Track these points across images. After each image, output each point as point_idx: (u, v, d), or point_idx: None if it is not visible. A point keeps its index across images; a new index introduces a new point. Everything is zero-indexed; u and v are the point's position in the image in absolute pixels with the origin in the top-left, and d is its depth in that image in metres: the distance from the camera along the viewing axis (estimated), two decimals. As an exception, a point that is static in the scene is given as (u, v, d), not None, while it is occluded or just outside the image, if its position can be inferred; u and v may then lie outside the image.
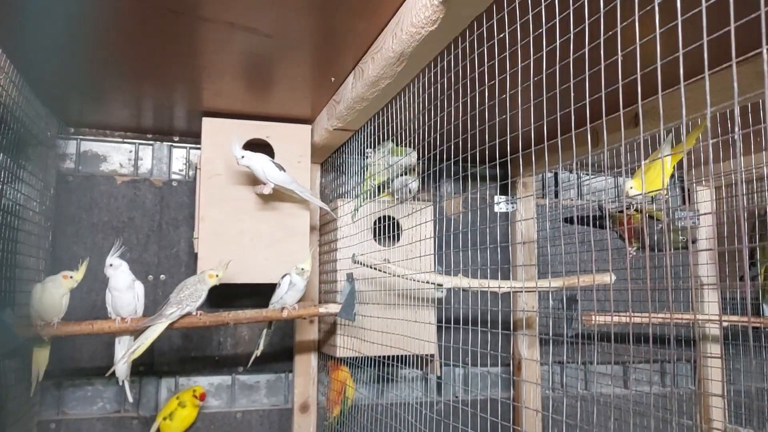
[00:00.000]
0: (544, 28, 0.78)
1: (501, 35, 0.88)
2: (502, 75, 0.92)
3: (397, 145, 1.56)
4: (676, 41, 0.60)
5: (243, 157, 1.54)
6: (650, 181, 1.40)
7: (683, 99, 0.59)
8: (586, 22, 0.70)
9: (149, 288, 1.83)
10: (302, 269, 1.51)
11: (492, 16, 0.88)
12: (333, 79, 1.43)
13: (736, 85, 0.53)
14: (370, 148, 1.60)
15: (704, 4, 0.56)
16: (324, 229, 1.94)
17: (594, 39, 0.70)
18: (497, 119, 0.95)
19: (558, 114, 0.81)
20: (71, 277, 1.40)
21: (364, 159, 1.69)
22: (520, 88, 0.90)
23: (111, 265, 1.43)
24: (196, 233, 1.67)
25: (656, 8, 0.60)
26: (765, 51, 0.51)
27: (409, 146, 1.55)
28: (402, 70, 1.14)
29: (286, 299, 1.53)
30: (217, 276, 1.46)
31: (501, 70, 0.92)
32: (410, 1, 0.98)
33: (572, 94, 0.76)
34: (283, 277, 1.55)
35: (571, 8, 0.73)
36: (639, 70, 0.64)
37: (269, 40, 1.20)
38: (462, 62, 1.02)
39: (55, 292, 1.37)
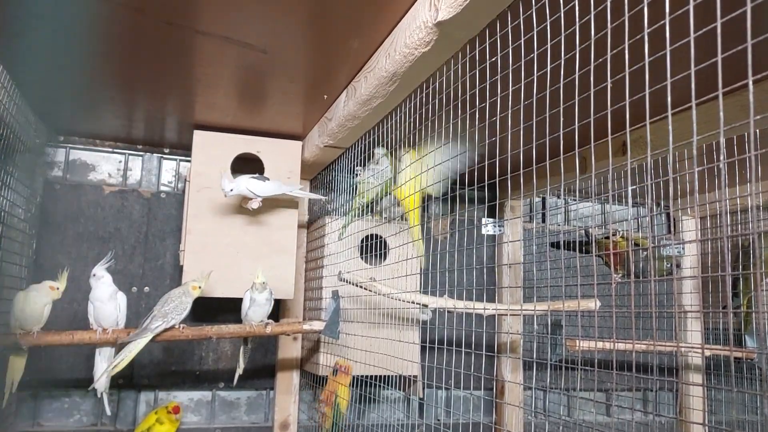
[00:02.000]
0: (535, 53, 0.79)
1: (493, 59, 0.89)
2: (493, 98, 0.94)
3: (391, 155, 1.56)
4: (664, 70, 0.61)
5: (231, 190, 1.53)
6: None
7: (670, 128, 0.60)
8: (577, 48, 0.71)
9: (132, 299, 1.81)
10: (255, 283, 1.49)
11: (485, 39, 0.89)
12: (326, 96, 1.44)
13: (722, 114, 0.54)
14: (360, 166, 1.60)
15: (692, 36, 0.57)
16: (311, 245, 1.94)
17: (585, 65, 0.71)
18: (487, 141, 0.96)
19: (547, 138, 0.82)
20: (57, 288, 1.38)
21: (353, 177, 1.69)
22: (510, 111, 0.91)
23: (94, 275, 1.41)
24: (182, 246, 1.66)
25: (645, 37, 0.61)
26: (751, 83, 0.53)
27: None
28: (394, 90, 1.15)
29: (250, 315, 1.51)
30: (200, 287, 1.45)
31: (492, 93, 0.94)
32: (404, 22, 1.00)
33: (561, 119, 0.77)
34: (245, 292, 1.53)
35: (563, 35, 0.74)
36: (628, 97, 0.65)
37: (263, 55, 1.20)
38: (453, 84, 1.04)
39: (38, 301, 1.36)
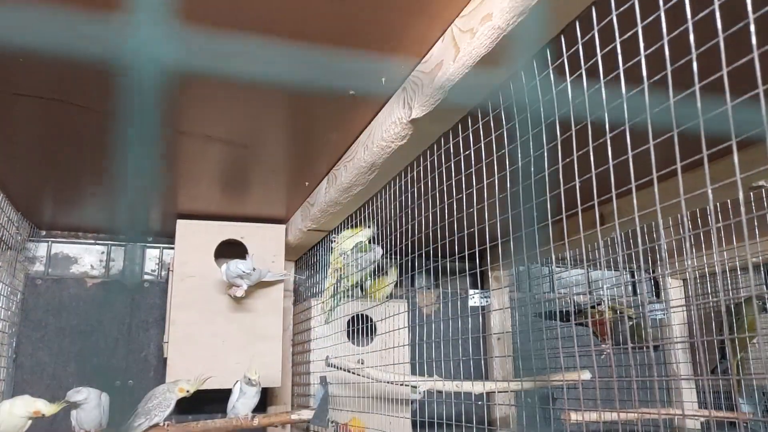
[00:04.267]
0: (506, 148, 0.82)
1: (477, 145, 0.92)
2: (478, 165, 0.94)
3: (354, 227, 1.54)
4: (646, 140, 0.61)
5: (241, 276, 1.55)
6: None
7: (657, 196, 0.61)
8: (545, 145, 0.74)
9: (116, 395, 1.76)
10: (249, 379, 1.47)
11: (458, 132, 0.93)
12: (307, 183, 1.46)
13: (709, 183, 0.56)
14: (335, 233, 1.60)
15: (673, 116, 0.59)
16: (297, 328, 1.92)
17: (565, 131, 0.72)
18: (465, 211, 0.96)
19: (517, 210, 0.83)
20: (43, 415, 1.33)
21: (330, 244, 1.68)
22: (484, 183, 0.92)
23: (83, 397, 1.36)
24: (166, 337, 1.63)
25: (624, 103, 0.63)
26: (735, 153, 0.54)
27: (382, 238, 1.54)
28: (374, 179, 1.17)
29: (238, 408, 1.48)
30: (188, 392, 1.42)
31: (477, 161, 0.94)
32: (380, 117, 1.03)
33: (532, 191, 0.78)
34: (235, 383, 1.51)
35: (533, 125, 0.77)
36: (611, 160, 0.66)
37: (245, 149, 1.23)
38: (431, 157, 1.04)
39: (23, 413, 1.31)
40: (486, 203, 0.88)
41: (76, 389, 1.37)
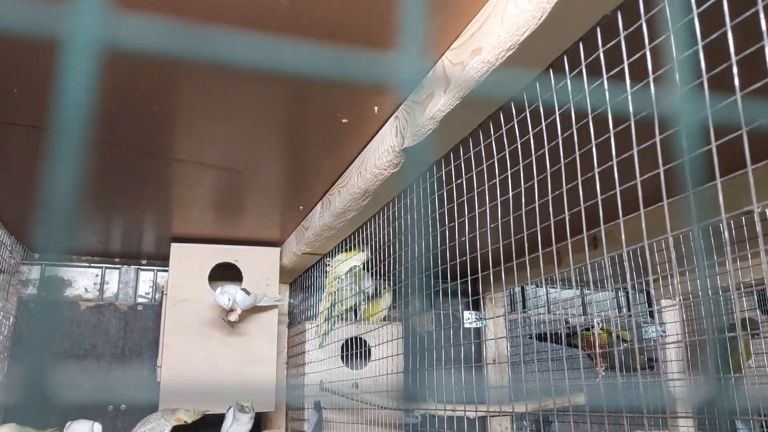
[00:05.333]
0: (497, 179, 0.82)
1: (465, 176, 0.93)
2: (465, 211, 0.96)
3: (348, 251, 1.54)
4: (633, 169, 0.62)
5: (229, 300, 1.54)
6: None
7: (643, 224, 0.62)
8: (535, 175, 0.75)
9: (108, 419, 1.75)
10: (242, 406, 1.46)
11: (449, 160, 0.93)
12: (301, 207, 1.46)
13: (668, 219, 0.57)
14: (329, 257, 1.60)
15: (658, 138, 0.59)
16: (291, 351, 1.91)
17: (554, 163, 0.72)
18: (458, 239, 0.97)
19: (512, 237, 0.83)
20: (185, 422, 1.35)
21: (325, 267, 1.68)
22: (476, 211, 0.92)
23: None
24: (159, 361, 1.62)
25: (612, 137, 0.63)
26: (719, 182, 0.54)
27: (376, 263, 1.54)
28: (367, 204, 1.18)
29: None
30: (185, 422, 1.41)
31: (469, 190, 0.95)
32: (373, 144, 1.04)
33: (534, 216, 0.79)
34: (228, 409, 1.50)
35: (531, 156, 0.78)
36: (599, 194, 0.66)
37: (239, 175, 1.24)
38: (429, 179, 1.04)
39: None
40: (478, 232, 0.89)
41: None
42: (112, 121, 0.96)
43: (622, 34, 0.59)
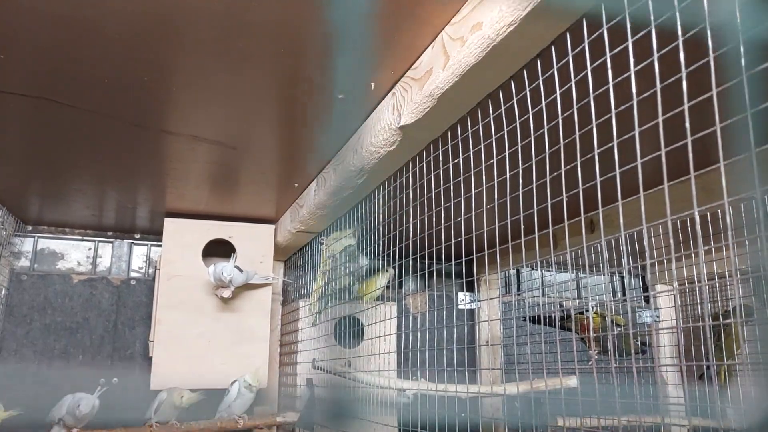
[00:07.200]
0: (495, 158, 0.81)
1: (462, 156, 0.91)
2: (467, 174, 0.94)
3: (339, 230, 1.53)
4: (634, 151, 0.60)
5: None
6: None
7: (642, 208, 0.60)
8: (533, 161, 0.73)
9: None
10: (249, 384, 1.47)
11: (457, 133, 0.91)
12: (296, 184, 1.45)
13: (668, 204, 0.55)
14: (324, 235, 1.58)
15: (660, 119, 0.57)
16: (285, 329, 1.91)
17: (554, 144, 0.71)
18: (453, 219, 0.96)
19: (508, 218, 0.82)
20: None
21: (319, 246, 1.67)
22: (473, 192, 0.91)
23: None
24: (151, 336, 1.62)
25: (613, 117, 0.61)
26: (722, 166, 0.53)
27: (371, 242, 1.53)
28: (363, 182, 1.16)
29: (233, 408, 1.48)
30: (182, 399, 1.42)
31: (465, 170, 0.94)
32: (370, 121, 1.02)
33: (532, 198, 0.77)
34: (233, 383, 1.50)
35: (530, 112, 0.76)
36: (599, 177, 0.64)
37: (233, 150, 1.22)
38: (426, 158, 1.03)
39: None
40: (474, 212, 0.87)
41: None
42: (100, 90, 0.93)
43: (627, 10, 0.57)
